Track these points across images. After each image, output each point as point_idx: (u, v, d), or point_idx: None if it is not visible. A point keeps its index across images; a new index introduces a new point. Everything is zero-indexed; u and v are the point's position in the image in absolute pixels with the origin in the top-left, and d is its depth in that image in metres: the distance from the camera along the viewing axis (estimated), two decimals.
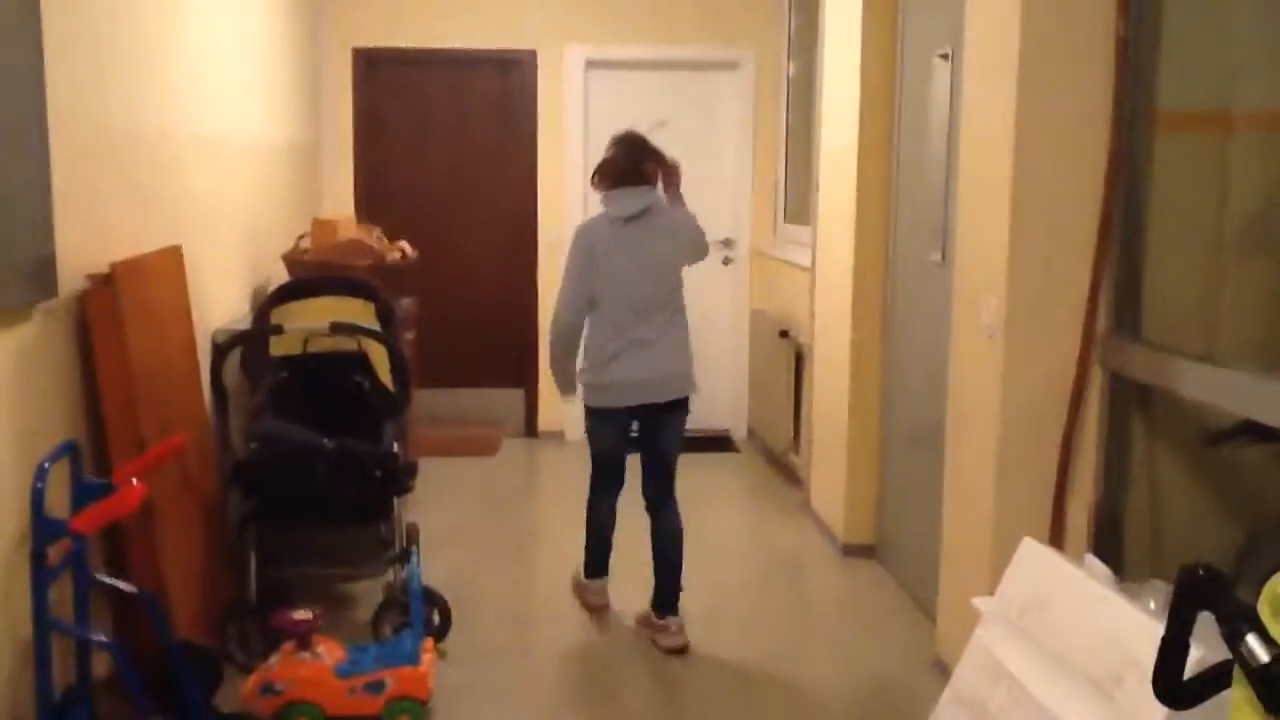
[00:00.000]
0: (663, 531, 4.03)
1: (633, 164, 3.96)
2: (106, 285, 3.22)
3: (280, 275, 4.97)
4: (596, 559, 4.22)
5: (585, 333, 3.99)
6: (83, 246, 3.19)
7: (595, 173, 4.03)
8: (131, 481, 2.88)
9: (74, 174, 3.12)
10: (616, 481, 4.13)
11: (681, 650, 3.90)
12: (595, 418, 4.04)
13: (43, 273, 2.95)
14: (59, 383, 3.11)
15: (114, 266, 3.24)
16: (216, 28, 4.51)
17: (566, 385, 4.12)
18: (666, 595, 3.99)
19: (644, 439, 4.05)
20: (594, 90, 6.75)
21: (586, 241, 3.94)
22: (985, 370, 3.27)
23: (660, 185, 4.02)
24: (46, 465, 2.82)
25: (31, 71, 2.88)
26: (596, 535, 4.18)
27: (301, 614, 3.25)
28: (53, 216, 2.98)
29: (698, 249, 4.09)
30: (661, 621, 3.96)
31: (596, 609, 4.22)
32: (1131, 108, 3.00)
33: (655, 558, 4.03)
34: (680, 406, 4.00)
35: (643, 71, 6.78)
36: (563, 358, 4.04)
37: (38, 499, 2.76)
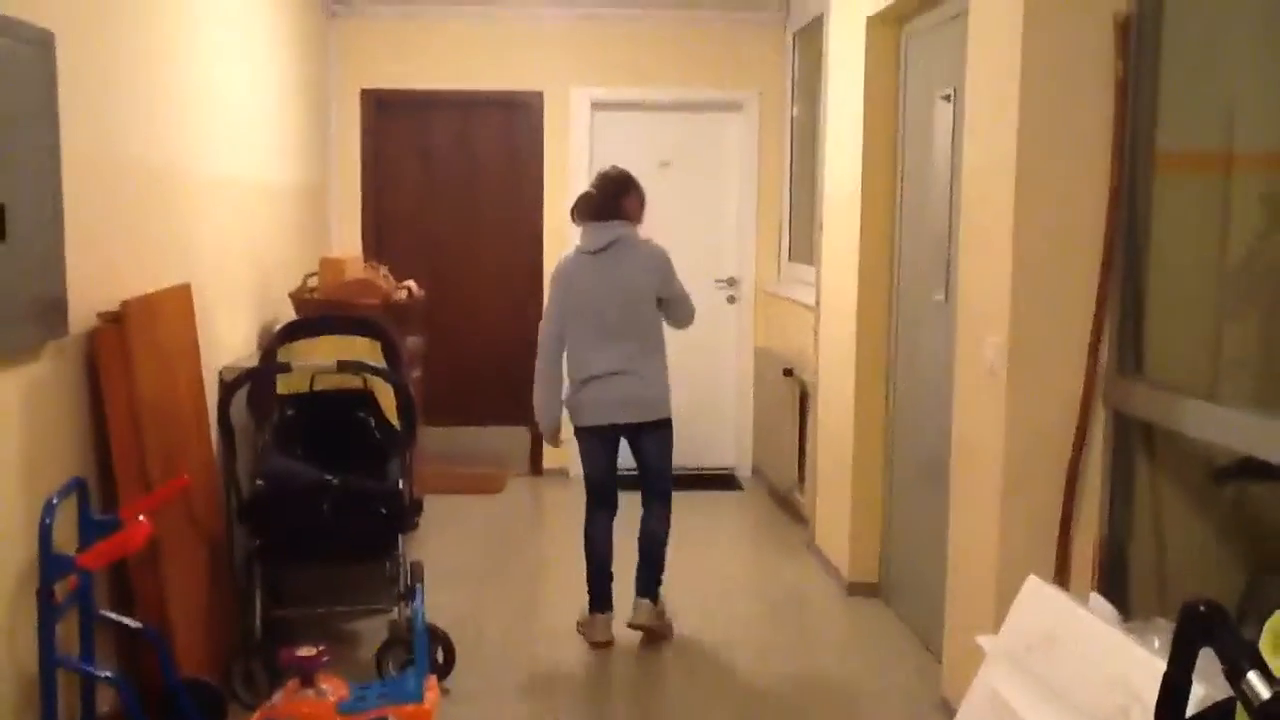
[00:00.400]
0: (643, 532, 4.31)
1: (604, 200, 4.22)
2: (116, 323, 3.25)
3: (288, 313, 5.01)
4: (597, 590, 4.28)
5: (565, 359, 4.27)
6: (93, 284, 3.22)
7: (572, 208, 4.31)
8: (138, 518, 2.90)
9: (86, 213, 3.16)
10: (607, 503, 4.31)
11: (642, 629, 4.22)
12: (579, 437, 4.30)
13: (53, 311, 2.98)
14: (68, 419, 3.13)
15: (124, 304, 3.27)
16: (227, 68, 4.58)
17: (547, 419, 4.30)
18: (641, 582, 4.28)
19: (635, 459, 4.31)
20: (600, 131, 6.81)
21: (561, 273, 4.28)
22: (989, 408, 3.28)
23: (636, 219, 4.28)
24: (55, 501, 2.83)
25: (45, 111, 2.92)
26: (594, 562, 4.28)
27: (309, 650, 3.24)
28: (64, 255, 3.01)
29: (670, 287, 4.23)
30: (636, 601, 4.26)
31: (601, 646, 4.21)
32: (1131, 147, 3.03)
33: (638, 552, 4.31)
34: (656, 427, 4.26)
35: (648, 112, 6.84)
36: (544, 380, 4.28)
37: (45, 535, 2.78)
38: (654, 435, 4.27)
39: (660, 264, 4.23)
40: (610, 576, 4.27)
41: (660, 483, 4.33)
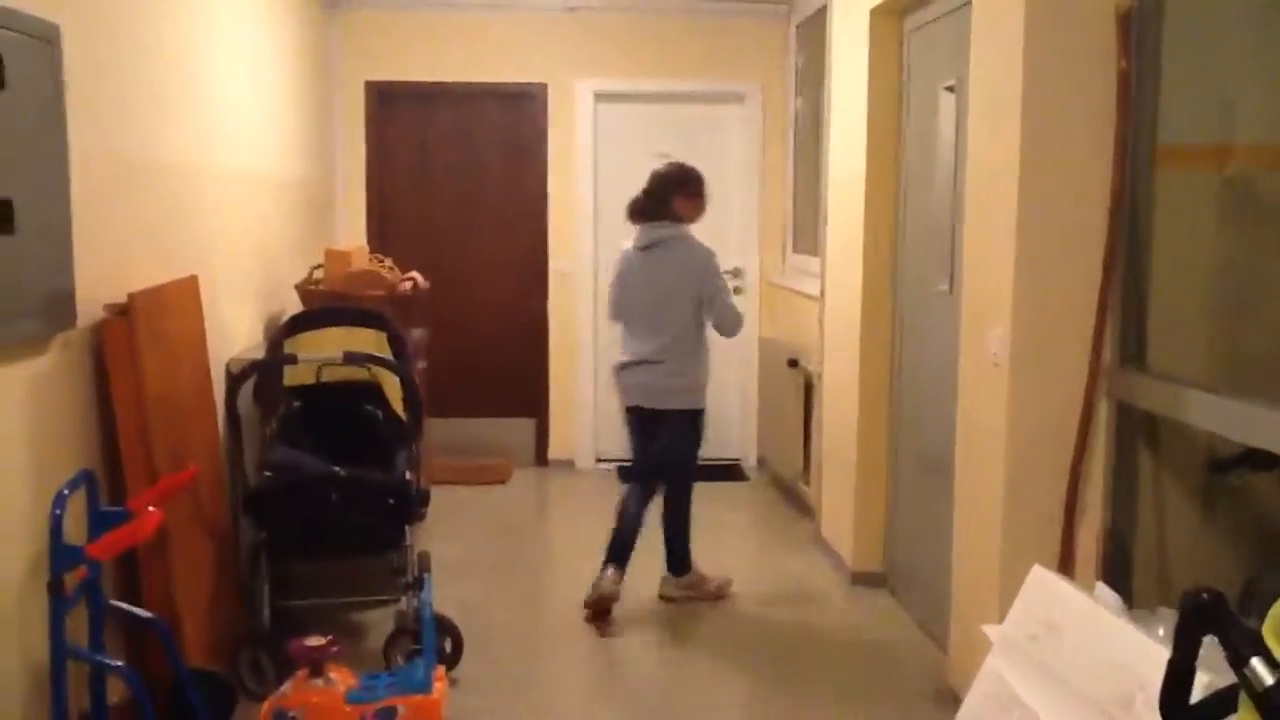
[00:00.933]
0: (662, 516, 4.62)
1: (651, 202, 4.48)
2: (124, 315, 3.26)
3: (294, 305, 5.02)
4: (614, 547, 4.47)
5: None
6: (101, 277, 3.23)
7: (627, 209, 4.59)
8: (147, 509, 2.91)
9: (93, 206, 3.17)
10: (639, 476, 4.62)
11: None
12: (625, 417, 4.66)
13: (61, 304, 2.99)
14: (76, 411, 3.15)
15: (131, 297, 3.28)
16: (232, 61, 4.58)
17: None
18: (667, 557, 4.64)
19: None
20: (603, 123, 6.81)
21: (619, 264, 4.64)
22: (993, 399, 3.29)
23: (688, 217, 4.53)
24: (65, 493, 2.85)
25: (52, 105, 2.93)
26: (620, 522, 4.50)
27: (318, 640, 3.26)
28: (72, 248, 3.02)
29: (707, 286, 4.42)
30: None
31: (595, 605, 4.34)
32: (1134, 141, 3.03)
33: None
34: (673, 416, 4.49)
35: (651, 104, 6.84)
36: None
37: (56, 526, 2.79)
38: (668, 425, 4.49)
39: (699, 264, 4.43)
40: (630, 546, 4.46)
41: (671, 471, 4.57)
